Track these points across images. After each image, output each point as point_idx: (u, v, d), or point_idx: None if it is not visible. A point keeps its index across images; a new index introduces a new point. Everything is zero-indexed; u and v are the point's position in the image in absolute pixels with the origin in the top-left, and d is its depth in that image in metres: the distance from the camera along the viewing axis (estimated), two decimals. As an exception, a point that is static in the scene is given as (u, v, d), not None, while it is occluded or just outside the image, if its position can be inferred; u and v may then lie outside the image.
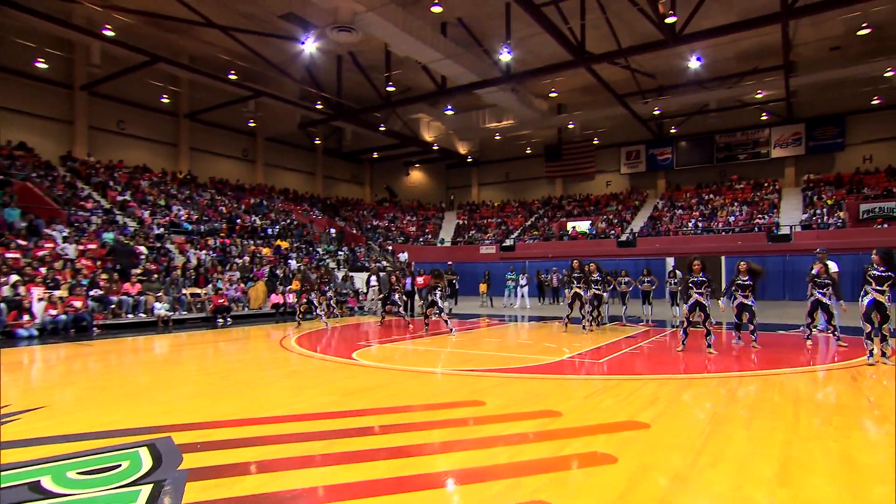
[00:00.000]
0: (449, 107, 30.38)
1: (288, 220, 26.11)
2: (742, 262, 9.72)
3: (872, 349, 7.77)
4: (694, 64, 22.63)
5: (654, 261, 23.18)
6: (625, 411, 5.20)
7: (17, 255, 13.41)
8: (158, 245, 17.98)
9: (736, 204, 27.47)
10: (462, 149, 36.99)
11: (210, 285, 15.66)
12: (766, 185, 28.73)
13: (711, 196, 29.41)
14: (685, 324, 8.98)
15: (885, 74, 23.59)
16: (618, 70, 25.73)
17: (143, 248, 16.39)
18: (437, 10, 20.69)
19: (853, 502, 3.24)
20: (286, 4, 20.43)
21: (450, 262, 19.26)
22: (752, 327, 9.22)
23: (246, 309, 16.18)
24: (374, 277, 17.80)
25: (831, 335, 9.35)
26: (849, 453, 4.04)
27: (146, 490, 3.34)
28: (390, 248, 29.28)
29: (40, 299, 12.12)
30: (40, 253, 13.94)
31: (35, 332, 11.62)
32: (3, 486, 3.42)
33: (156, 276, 14.96)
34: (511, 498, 3.29)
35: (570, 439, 4.35)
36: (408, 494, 3.35)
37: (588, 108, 31.31)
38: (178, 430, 4.56)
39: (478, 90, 25.62)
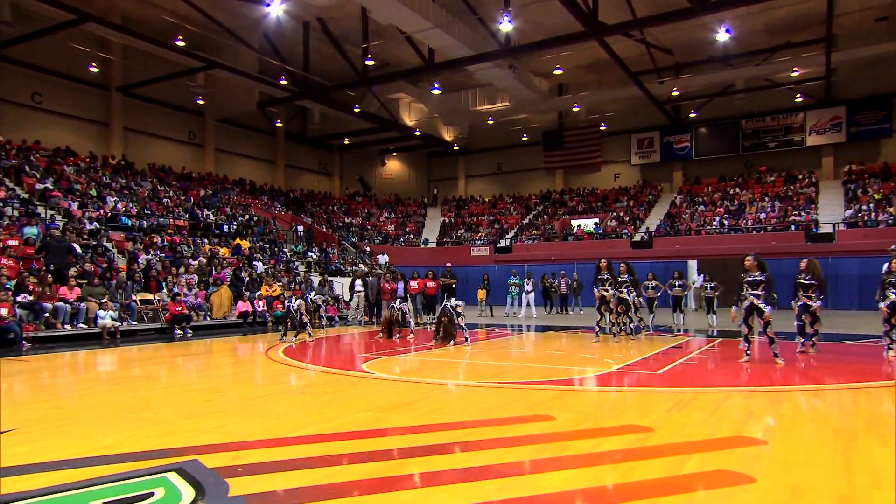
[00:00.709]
0: (436, 85, 30.31)
1: (247, 216, 25.64)
2: (804, 260, 9.89)
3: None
4: (722, 36, 22.87)
5: (673, 264, 23.42)
6: (724, 426, 5.24)
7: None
8: (94, 243, 17.44)
9: (766, 199, 28.01)
10: (447, 135, 36.98)
11: (164, 290, 15.19)
12: (800, 177, 29.31)
13: (737, 190, 29.96)
14: (746, 331, 8.98)
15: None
16: (631, 44, 25.96)
17: (76, 246, 15.82)
18: (427, -32, 20.64)
19: None
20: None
21: (448, 264, 19.12)
22: (813, 331, 9.34)
23: (208, 318, 15.77)
24: (359, 282, 17.54)
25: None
26: None
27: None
28: (368, 249, 29.00)
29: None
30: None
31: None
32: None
33: (98, 278, 14.42)
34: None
35: (681, 456, 4.37)
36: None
37: (594, 88, 31.58)
38: (202, 452, 4.37)
39: (471, 66, 25.60)
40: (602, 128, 35.02)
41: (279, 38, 25.58)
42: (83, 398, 6.77)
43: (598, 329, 12.43)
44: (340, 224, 33.01)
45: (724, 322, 15.70)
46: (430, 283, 17.40)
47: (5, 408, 5.97)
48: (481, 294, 21.73)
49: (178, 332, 13.98)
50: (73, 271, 14.37)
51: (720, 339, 12.40)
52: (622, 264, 12.37)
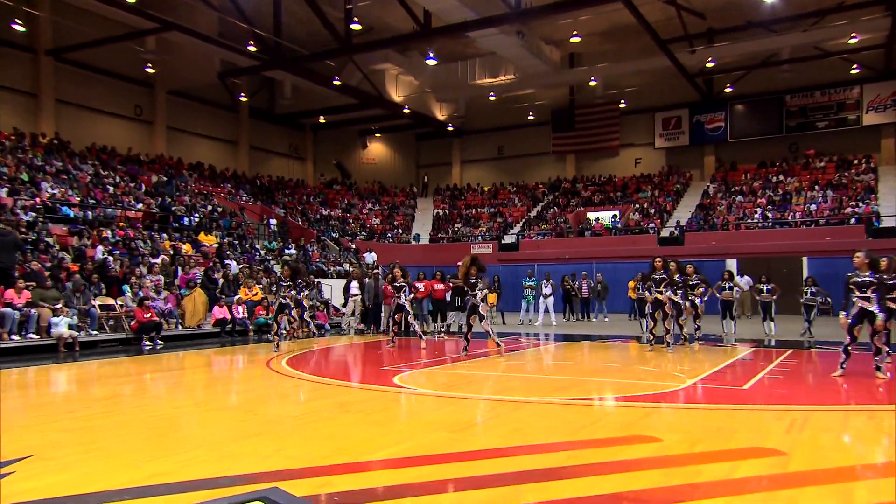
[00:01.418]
0: (430, 54, 30.24)
1: (209, 207, 25.43)
2: (883, 259, 10.09)
3: None
4: (766, -4, 23.13)
5: (708, 263, 23.66)
6: (864, 449, 5.42)
7: None
8: (34, 237, 17.22)
9: (817, 188, 28.43)
10: (440, 113, 36.90)
11: (128, 294, 15.00)
12: (855, 162, 29.67)
13: (781, 178, 30.38)
14: (849, 340, 9.12)
15: None
16: (658, 7, 26.03)
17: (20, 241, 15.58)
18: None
19: None
20: None
21: (460, 263, 19.13)
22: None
23: (179, 327, 15.62)
24: (355, 284, 17.48)
25: None
26: None
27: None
28: (353, 246, 28.93)
29: None
30: None
31: None
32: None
33: (49, 280, 14.20)
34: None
35: (840, 485, 4.43)
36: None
37: (612, 59, 31.66)
38: (278, 478, 4.35)
39: (473, 32, 25.56)
40: (621, 105, 35.17)
41: (246, -4, 25.30)
42: (90, 419, 6.69)
43: (651, 338, 12.56)
44: (318, 217, 32.87)
45: (783, 329, 15.95)
46: (439, 286, 17.37)
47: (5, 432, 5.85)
48: (491, 298, 21.73)
49: (147, 343, 13.81)
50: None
51: (791, 350, 12.55)
52: (689, 265, 12.53)
